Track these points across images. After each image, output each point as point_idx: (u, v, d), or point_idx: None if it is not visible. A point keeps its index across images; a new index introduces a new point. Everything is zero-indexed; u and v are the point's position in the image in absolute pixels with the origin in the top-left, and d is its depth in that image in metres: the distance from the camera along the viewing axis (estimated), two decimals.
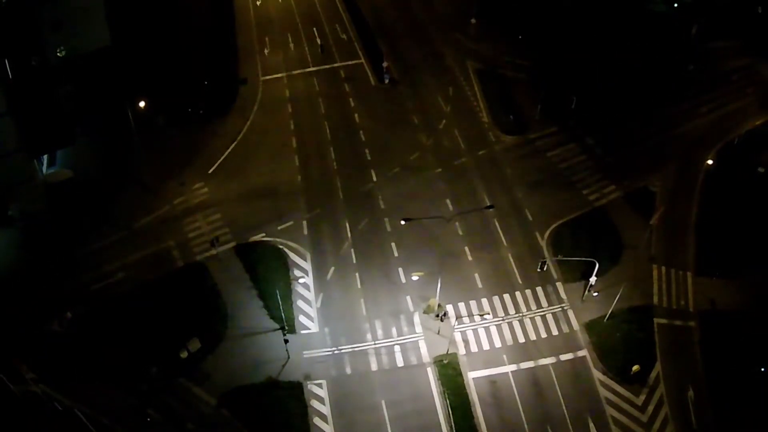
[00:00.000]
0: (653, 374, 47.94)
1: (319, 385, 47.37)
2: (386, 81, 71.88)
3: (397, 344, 49.74)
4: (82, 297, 51.42)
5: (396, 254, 55.23)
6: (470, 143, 65.05)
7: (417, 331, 50.40)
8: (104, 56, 61.54)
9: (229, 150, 64.05)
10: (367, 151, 64.31)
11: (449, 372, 47.87)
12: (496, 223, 57.46)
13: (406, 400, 46.72)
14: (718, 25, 76.93)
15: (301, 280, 52.90)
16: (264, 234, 56.48)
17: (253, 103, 69.61)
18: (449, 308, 51.51)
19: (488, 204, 57.42)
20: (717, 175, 61.34)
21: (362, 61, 75.18)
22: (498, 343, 49.78)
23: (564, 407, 46.42)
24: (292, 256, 55.12)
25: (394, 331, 50.46)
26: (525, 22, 77.29)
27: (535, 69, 72.41)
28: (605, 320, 50.52)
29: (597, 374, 48.07)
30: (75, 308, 50.44)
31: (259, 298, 51.94)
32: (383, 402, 46.57)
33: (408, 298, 52.29)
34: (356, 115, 68.23)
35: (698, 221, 58.13)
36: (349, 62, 75.02)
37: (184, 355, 47.64)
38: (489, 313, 50.67)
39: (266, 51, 76.72)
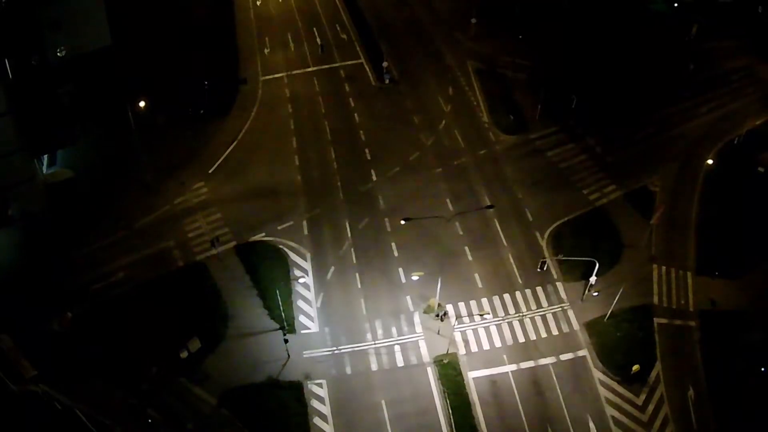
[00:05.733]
0: (653, 374, 47.94)
1: (319, 385, 47.36)
2: (386, 81, 71.91)
3: (397, 344, 49.74)
4: (82, 297, 51.42)
5: (396, 254, 55.22)
6: (470, 143, 65.07)
7: (417, 331, 50.40)
8: (104, 56, 61.47)
9: (229, 150, 64.06)
10: (367, 150, 64.32)
11: (449, 372, 47.86)
12: (496, 223, 57.46)
13: (407, 399, 46.72)
14: (718, 25, 76.96)
15: (301, 280, 52.89)
16: (264, 234, 56.48)
17: (253, 103, 69.62)
18: (449, 308, 51.51)
19: (488, 204, 57.41)
20: (717, 175, 61.34)
21: (362, 60, 75.22)
22: (498, 343, 49.78)
23: (564, 407, 46.42)
24: (292, 255, 55.13)
25: (394, 330, 50.46)
26: (525, 22, 77.32)
27: (535, 69, 72.41)
28: (605, 320, 50.52)
29: (597, 374, 48.08)
30: (75, 308, 50.44)
31: (259, 297, 51.93)
32: (383, 402, 46.56)
33: (408, 297, 52.28)
34: (356, 115, 68.25)
35: (698, 221, 58.13)
36: (349, 62, 75.04)
37: (184, 355, 47.62)
38: (489, 313, 50.67)
39: (266, 51, 76.75)
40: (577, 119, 66.53)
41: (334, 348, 49.45)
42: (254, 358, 48.41)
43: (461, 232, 56.73)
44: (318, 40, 77.95)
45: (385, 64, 72.35)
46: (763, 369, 47.37)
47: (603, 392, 47.12)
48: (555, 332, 50.34)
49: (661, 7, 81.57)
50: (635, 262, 54.42)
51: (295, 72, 73.72)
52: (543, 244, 56.02)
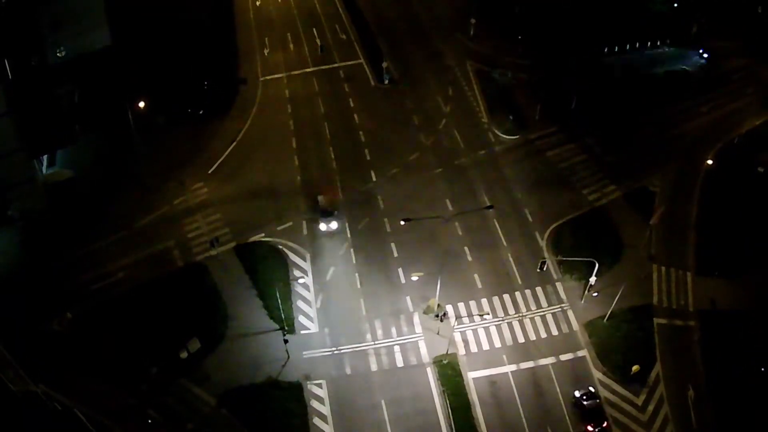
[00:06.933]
0: (653, 374, 47.93)
1: (319, 385, 47.37)
2: (386, 81, 71.89)
3: (396, 344, 49.74)
4: (82, 297, 51.43)
5: (396, 254, 55.22)
6: (470, 143, 65.06)
7: (417, 332, 50.40)
8: (104, 56, 61.54)
9: (229, 150, 64.08)
10: (367, 151, 64.32)
11: (449, 372, 47.86)
12: (496, 223, 57.46)
13: (406, 400, 46.73)
14: (718, 25, 76.97)
15: (300, 281, 52.90)
16: (264, 234, 56.49)
17: (253, 103, 69.64)
18: (449, 308, 51.51)
19: (488, 204, 57.41)
20: (717, 175, 61.30)
21: (362, 61, 75.22)
22: (498, 343, 49.78)
23: (564, 407, 46.41)
24: (292, 256, 55.13)
25: (393, 331, 50.46)
26: (525, 22, 77.31)
27: (535, 69, 72.40)
28: (605, 320, 50.50)
29: (597, 374, 48.07)
30: (75, 308, 50.45)
31: (259, 298, 51.96)
32: (383, 402, 46.56)
33: (408, 298, 52.29)
34: (356, 115, 68.24)
35: (698, 221, 58.10)
36: (349, 62, 75.04)
37: (184, 355, 47.63)
38: (489, 313, 50.66)
39: (266, 51, 76.76)
40: (577, 119, 66.50)
41: (334, 348, 49.45)
42: (254, 359, 48.42)
43: (461, 233, 56.73)
44: (318, 40, 77.96)
45: (384, 64, 72.32)
46: (763, 369, 47.35)
47: (603, 392, 47.10)
48: (555, 332, 50.33)
49: (661, 7, 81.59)
50: (635, 262, 54.40)
51: (294, 72, 73.74)
52: (543, 244, 56.01)
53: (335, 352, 49.23)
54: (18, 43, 54.27)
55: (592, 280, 50.87)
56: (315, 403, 46.51)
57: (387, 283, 53.30)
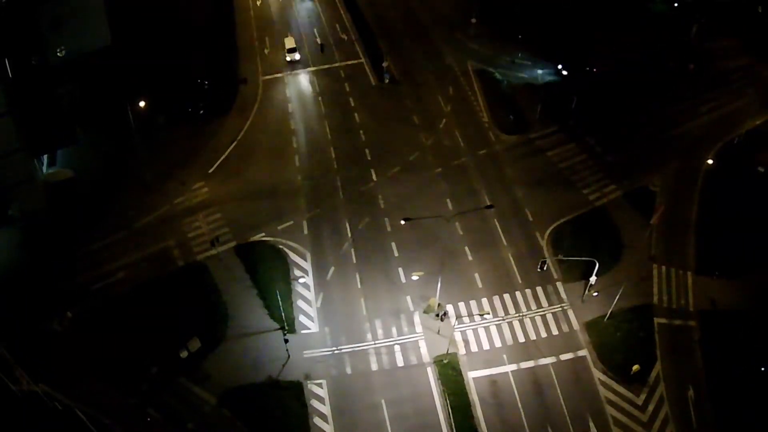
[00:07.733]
0: (653, 374, 47.94)
1: (319, 385, 47.37)
2: (386, 80, 71.91)
3: (397, 344, 49.74)
4: (82, 297, 51.42)
5: (396, 254, 55.22)
6: (470, 143, 65.07)
7: (417, 331, 50.40)
8: (104, 56, 61.55)
9: (229, 150, 64.09)
10: (367, 150, 64.32)
11: (449, 372, 47.86)
12: (496, 223, 57.46)
13: (406, 399, 46.72)
14: (718, 25, 77.02)
15: (301, 280, 52.91)
16: (264, 234, 56.49)
17: (253, 102, 69.66)
18: (449, 308, 51.51)
19: (488, 203, 57.41)
20: (717, 175, 61.32)
21: (362, 60, 75.23)
22: (498, 343, 49.78)
23: (564, 407, 46.41)
24: (293, 255, 55.13)
25: (394, 330, 50.46)
26: (525, 22, 77.33)
27: (535, 68, 72.39)
28: (605, 320, 50.51)
29: (597, 374, 48.07)
30: (75, 308, 50.44)
31: (260, 297, 51.97)
32: (383, 402, 46.56)
33: (408, 297, 52.28)
34: (356, 115, 68.25)
35: (698, 221, 58.12)
36: (350, 62, 75.05)
37: (184, 354, 47.64)
38: (489, 313, 50.67)
39: (266, 51, 76.76)
40: (577, 119, 66.52)
41: (334, 348, 49.45)
42: (254, 358, 48.41)
43: (461, 232, 56.73)
44: (318, 39, 77.97)
45: (385, 63, 72.34)
46: (763, 369, 47.37)
47: (603, 392, 47.12)
48: (555, 332, 50.33)
49: (661, 8, 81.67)
50: (635, 262, 54.41)
51: (295, 72, 73.76)
52: (543, 243, 56.01)
53: (335, 351, 49.22)
54: (18, 43, 54.27)
55: (593, 279, 50.87)
56: (315, 403, 46.51)
57: (387, 283, 53.29)
